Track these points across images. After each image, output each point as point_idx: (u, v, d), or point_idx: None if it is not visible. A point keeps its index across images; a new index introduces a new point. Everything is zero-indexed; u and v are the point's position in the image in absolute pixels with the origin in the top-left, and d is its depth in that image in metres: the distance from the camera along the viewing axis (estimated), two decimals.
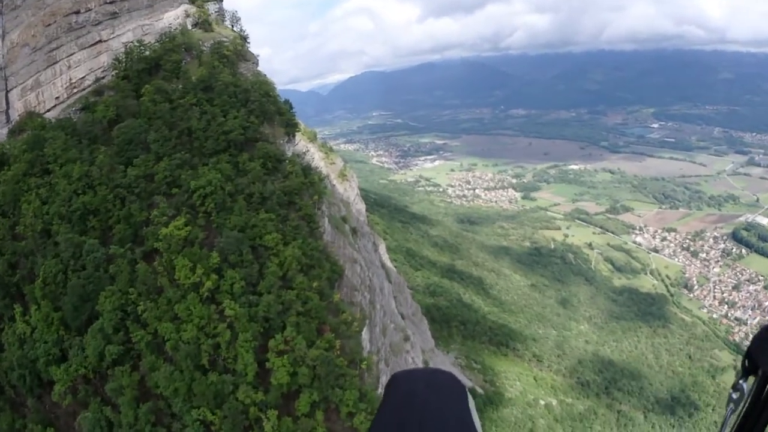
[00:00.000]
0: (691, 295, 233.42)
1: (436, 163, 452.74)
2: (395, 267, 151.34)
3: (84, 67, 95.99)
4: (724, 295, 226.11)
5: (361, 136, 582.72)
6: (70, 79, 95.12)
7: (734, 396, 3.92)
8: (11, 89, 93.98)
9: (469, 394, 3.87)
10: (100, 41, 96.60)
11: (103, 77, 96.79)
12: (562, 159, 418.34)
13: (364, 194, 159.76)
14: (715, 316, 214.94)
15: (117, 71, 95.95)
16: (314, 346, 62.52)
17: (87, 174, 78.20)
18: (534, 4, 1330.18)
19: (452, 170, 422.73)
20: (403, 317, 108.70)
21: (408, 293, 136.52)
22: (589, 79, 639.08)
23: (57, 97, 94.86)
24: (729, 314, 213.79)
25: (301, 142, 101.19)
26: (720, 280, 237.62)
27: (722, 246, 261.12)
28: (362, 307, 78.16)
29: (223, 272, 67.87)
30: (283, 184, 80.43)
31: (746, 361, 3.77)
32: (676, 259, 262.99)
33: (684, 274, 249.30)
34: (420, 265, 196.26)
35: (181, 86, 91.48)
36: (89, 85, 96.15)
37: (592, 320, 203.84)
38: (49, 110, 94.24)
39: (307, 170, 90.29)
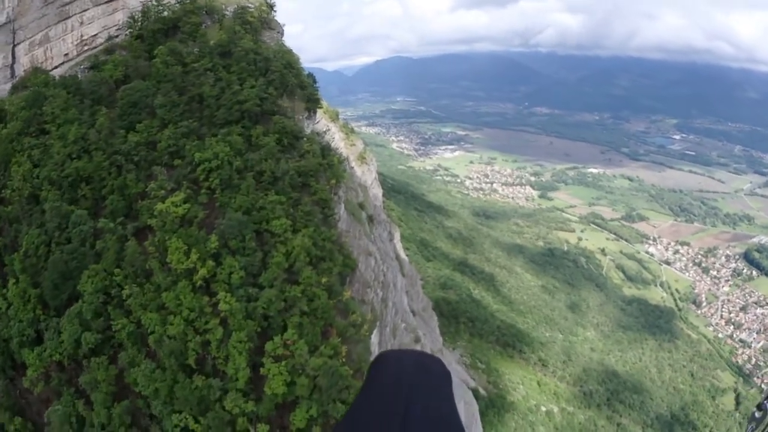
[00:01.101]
0: (699, 312, 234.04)
1: (456, 153, 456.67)
2: (408, 257, 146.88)
3: (97, 24, 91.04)
4: (731, 315, 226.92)
5: (383, 120, 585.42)
6: (82, 36, 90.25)
7: (757, 415, 3.98)
8: (19, 43, 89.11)
9: (461, 381, 3.15)
10: None
11: (117, 36, 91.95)
12: (582, 161, 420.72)
13: (382, 179, 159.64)
14: (720, 335, 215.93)
15: (132, 30, 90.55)
16: (317, 352, 55.33)
17: (84, 137, 71.90)
18: (567, 3, 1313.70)
19: (471, 162, 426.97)
20: (413, 313, 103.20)
21: (420, 287, 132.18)
22: (615, 84, 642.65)
23: (66, 54, 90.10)
24: (734, 335, 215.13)
25: (321, 120, 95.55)
26: (728, 300, 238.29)
27: (733, 265, 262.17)
28: (374, 306, 71.56)
29: (222, 259, 60.45)
30: (299, 164, 72.95)
31: None
32: (687, 274, 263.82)
33: (693, 289, 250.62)
34: (432, 256, 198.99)
35: (197, 50, 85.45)
36: (101, 44, 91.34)
37: (599, 327, 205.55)
38: (56, 67, 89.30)
39: (326, 150, 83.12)
